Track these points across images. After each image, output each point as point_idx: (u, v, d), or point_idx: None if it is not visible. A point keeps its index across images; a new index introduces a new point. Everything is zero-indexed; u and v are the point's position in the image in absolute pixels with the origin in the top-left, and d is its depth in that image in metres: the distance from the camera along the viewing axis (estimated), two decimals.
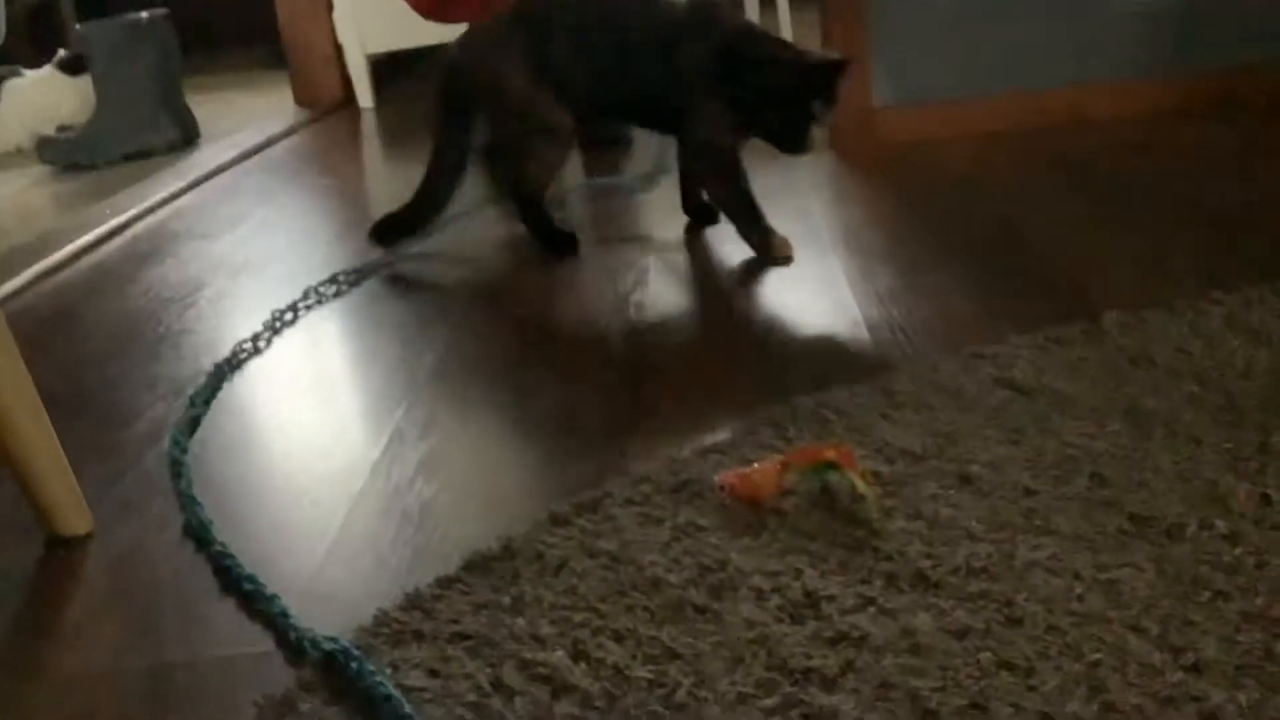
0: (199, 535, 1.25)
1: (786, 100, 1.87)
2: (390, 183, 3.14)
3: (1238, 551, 1.04)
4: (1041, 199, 2.17)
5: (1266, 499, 1.10)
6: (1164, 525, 1.09)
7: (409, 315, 1.92)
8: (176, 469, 1.39)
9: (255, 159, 3.35)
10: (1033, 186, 2.26)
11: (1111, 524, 1.10)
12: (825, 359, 1.56)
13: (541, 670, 0.98)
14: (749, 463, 1.23)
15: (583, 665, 0.98)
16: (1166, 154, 2.36)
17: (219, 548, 1.22)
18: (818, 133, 1.89)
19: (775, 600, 1.03)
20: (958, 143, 2.61)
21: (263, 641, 1.07)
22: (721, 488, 1.19)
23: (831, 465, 1.18)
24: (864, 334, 1.61)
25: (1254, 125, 2.46)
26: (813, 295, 1.80)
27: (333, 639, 1.02)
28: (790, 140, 1.91)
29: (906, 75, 2.69)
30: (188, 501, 1.32)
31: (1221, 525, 1.07)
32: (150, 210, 2.82)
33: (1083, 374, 1.40)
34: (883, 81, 2.69)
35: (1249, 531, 1.06)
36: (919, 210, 2.22)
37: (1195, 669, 0.90)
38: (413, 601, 1.08)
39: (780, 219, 2.01)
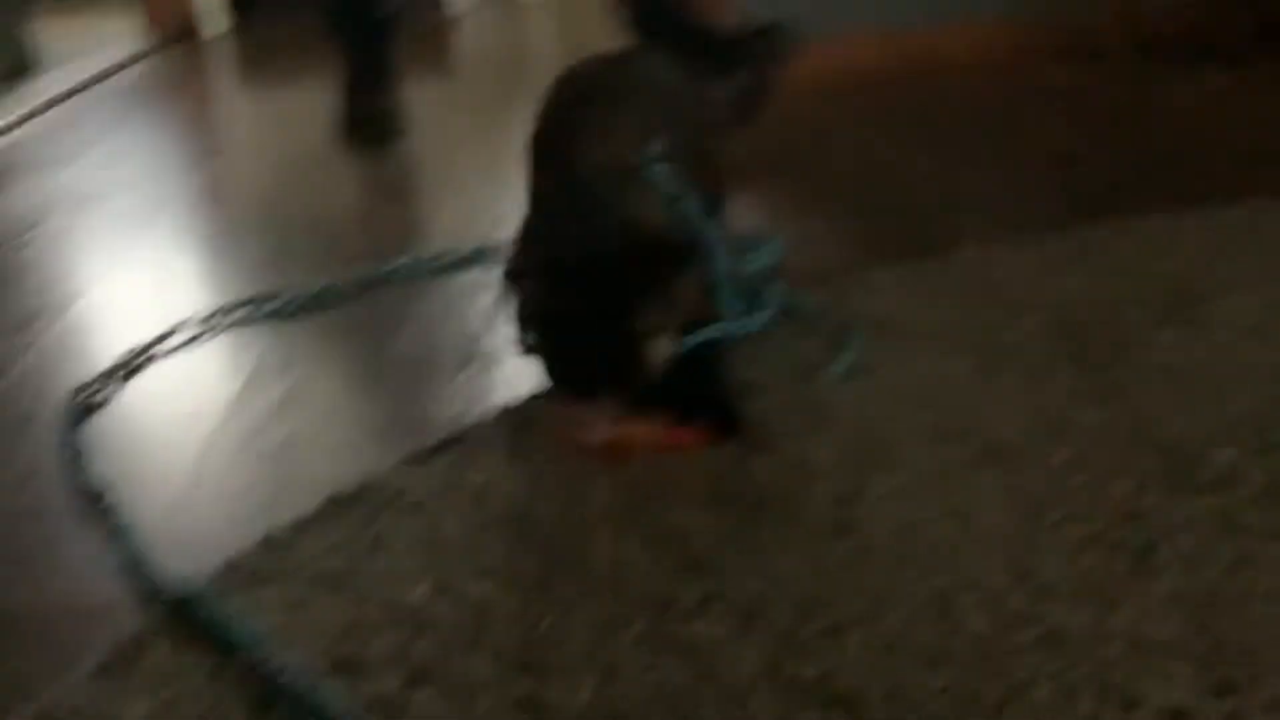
0: (72, 471, 1.22)
1: None
2: (245, 113, 3.04)
3: (1081, 479, 1.08)
4: (896, 141, 2.20)
5: (1108, 427, 1.15)
6: (1011, 455, 1.12)
7: (266, 253, 1.87)
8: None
9: (100, 86, 3.21)
10: (891, 127, 2.29)
11: (963, 455, 1.13)
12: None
13: (403, 608, 0.97)
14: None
15: (445, 601, 0.97)
16: (1016, 96, 2.42)
17: (88, 483, 1.18)
18: None
19: (638, 535, 1.04)
20: (816, 83, 2.63)
21: (110, 587, 1.04)
22: (595, 448, 1.11)
23: None
24: None
25: (1098, 67, 2.54)
26: None
27: (186, 581, 0.99)
28: None
29: (766, 11, 2.69)
30: (67, 437, 1.28)
31: (1065, 454, 1.11)
32: None
33: (938, 308, 1.43)
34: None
35: (1091, 459, 1.10)
36: (779, 151, 2.23)
37: (1039, 591, 0.94)
38: (268, 543, 1.06)
39: None
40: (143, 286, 1.79)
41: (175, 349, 1.52)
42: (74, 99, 3.09)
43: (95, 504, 1.15)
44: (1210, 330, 1.31)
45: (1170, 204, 1.67)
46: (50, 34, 3.66)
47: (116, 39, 3.71)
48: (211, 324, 1.56)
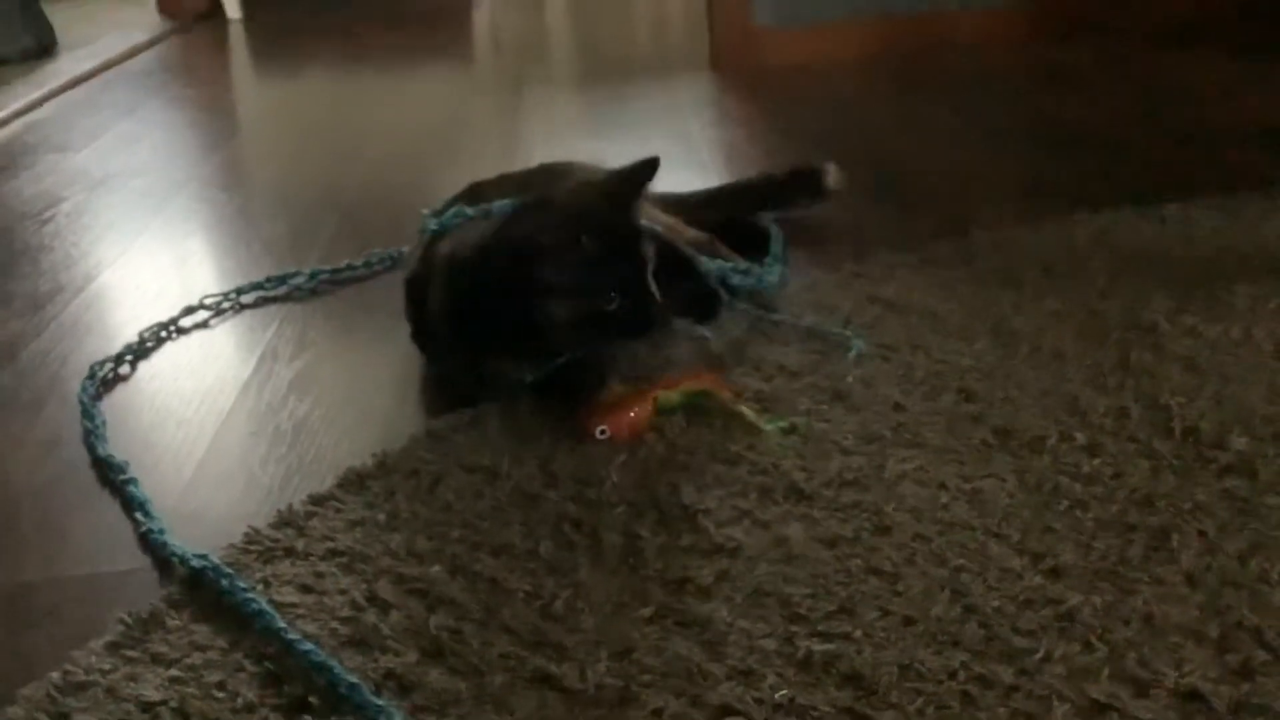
0: (90, 445, 1.23)
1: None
2: (259, 96, 3.05)
3: (1096, 463, 1.07)
4: (915, 121, 2.19)
5: (1125, 412, 1.14)
6: (1026, 438, 1.12)
7: (281, 233, 1.87)
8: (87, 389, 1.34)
9: (116, 70, 3.21)
10: (906, 108, 2.28)
11: (976, 437, 1.13)
12: None
13: (417, 585, 0.97)
14: (618, 395, 1.19)
15: (459, 579, 0.97)
16: (1032, 77, 2.41)
17: (107, 456, 1.19)
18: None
19: (652, 514, 1.04)
20: (835, 64, 2.63)
21: (126, 559, 1.04)
22: (602, 433, 1.16)
23: (701, 391, 1.18)
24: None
25: (1113, 48, 2.53)
26: None
27: (202, 555, 1.00)
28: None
29: None
30: (86, 411, 1.29)
31: (1081, 438, 1.11)
32: (3, 122, 2.68)
33: (953, 292, 1.43)
34: (763, 4, 2.69)
35: (1107, 444, 1.10)
36: (797, 131, 2.23)
37: (1053, 573, 0.93)
38: (285, 519, 1.07)
39: (661, 140, 2.00)
40: (160, 266, 1.80)
41: (192, 327, 1.52)
42: (90, 81, 3.09)
43: (112, 478, 1.16)
44: (1229, 316, 1.30)
45: (1189, 189, 1.66)
46: (67, 17, 3.67)
47: (132, 23, 3.72)
48: (227, 303, 1.57)
